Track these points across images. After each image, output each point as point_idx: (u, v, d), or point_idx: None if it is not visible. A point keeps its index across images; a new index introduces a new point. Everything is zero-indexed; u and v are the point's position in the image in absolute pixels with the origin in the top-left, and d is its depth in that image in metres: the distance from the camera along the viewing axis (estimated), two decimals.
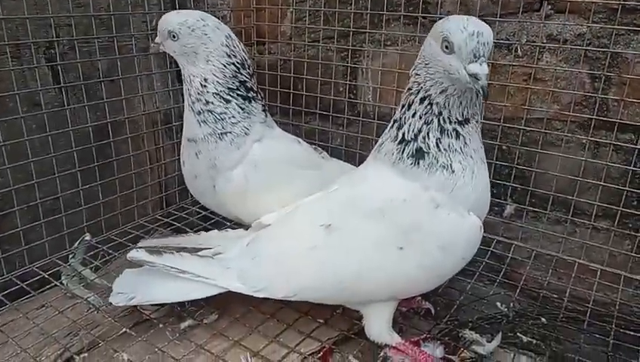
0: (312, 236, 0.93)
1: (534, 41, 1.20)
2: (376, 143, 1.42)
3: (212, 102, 1.11)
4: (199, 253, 1.01)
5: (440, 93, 0.84)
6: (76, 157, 1.24)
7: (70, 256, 1.22)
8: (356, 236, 0.91)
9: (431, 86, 0.84)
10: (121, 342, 0.98)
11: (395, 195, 0.89)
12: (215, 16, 1.53)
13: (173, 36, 1.09)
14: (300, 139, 1.27)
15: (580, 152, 1.20)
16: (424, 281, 0.94)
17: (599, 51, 1.14)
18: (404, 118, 0.88)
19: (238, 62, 1.13)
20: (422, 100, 0.85)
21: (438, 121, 0.85)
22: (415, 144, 0.86)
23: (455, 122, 0.85)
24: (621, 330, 1.03)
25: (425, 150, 0.86)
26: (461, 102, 0.84)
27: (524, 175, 1.28)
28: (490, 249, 1.30)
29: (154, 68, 1.41)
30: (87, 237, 1.26)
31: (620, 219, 1.17)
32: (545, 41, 1.19)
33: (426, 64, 0.84)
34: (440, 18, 1.26)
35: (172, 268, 0.98)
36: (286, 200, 1.07)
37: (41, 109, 1.18)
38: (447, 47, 0.79)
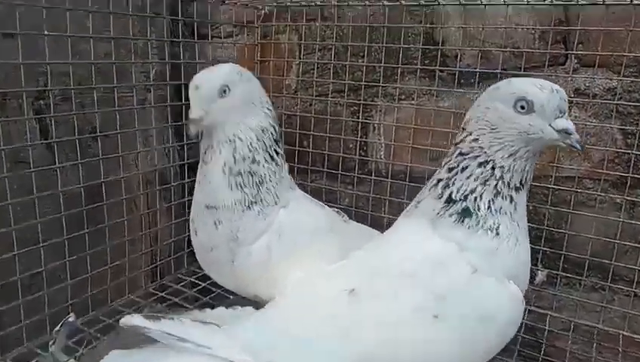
0: (333, 302, 0.83)
1: None
2: (388, 203, 1.37)
3: (259, 161, 0.99)
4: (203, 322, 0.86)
5: (508, 156, 0.79)
6: (65, 223, 1.09)
7: (50, 343, 1.02)
8: (384, 302, 0.80)
9: (497, 150, 0.79)
10: None
11: (429, 256, 0.81)
12: None
13: (224, 91, 0.95)
14: (322, 203, 1.15)
15: (615, 213, 1.12)
16: (462, 358, 0.82)
17: (631, 106, 1.08)
18: (454, 179, 0.82)
19: (274, 114, 1.05)
20: (481, 164, 0.81)
21: (496, 184, 0.80)
22: (463, 204, 0.81)
23: (513, 187, 0.80)
24: None
25: (472, 210, 0.80)
26: (525, 167, 0.80)
27: (554, 237, 1.18)
28: (524, 320, 1.18)
29: (153, 122, 1.30)
30: (72, 318, 1.07)
31: None
32: (572, 96, 1.13)
33: (493, 128, 0.79)
34: (460, 71, 1.23)
35: (170, 334, 0.82)
36: (312, 271, 0.95)
37: (26, 167, 1.04)
38: (522, 108, 0.76)
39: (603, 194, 1.13)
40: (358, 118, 1.39)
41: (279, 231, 1.00)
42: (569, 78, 1.13)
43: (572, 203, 1.15)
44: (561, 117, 0.76)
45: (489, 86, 1.20)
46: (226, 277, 1.07)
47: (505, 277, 0.79)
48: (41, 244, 1.05)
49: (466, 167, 0.81)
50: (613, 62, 1.09)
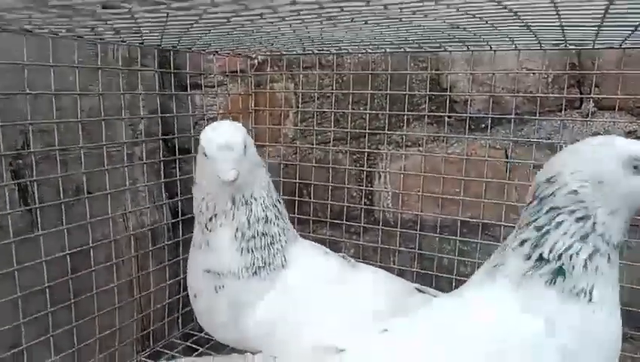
0: None
1: (578, 140, 1.10)
2: (398, 254, 1.29)
3: (271, 220, 0.94)
4: None
5: (609, 213, 0.72)
6: (48, 294, 0.97)
7: None
8: None
9: (599, 207, 0.72)
10: None
11: (508, 337, 0.72)
12: (202, 118, 1.39)
13: (245, 147, 0.88)
14: (326, 249, 1.08)
15: None
16: None
17: None
18: (547, 236, 0.74)
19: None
20: (580, 219, 0.73)
21: (596, 241, 0.73)
22: (556, 263, 0.73)
23: (612, 246, 0.73)
24: None
25: (566, 268, 0.72)
26: (621, 226, 0.74)
27: None
28: None
29: (142, 177, 1.19)
30: None
31: None
32: None
33: (599, 182, 0.73)
34: (471, 117, 1.19)
35: None
36: (319, 324, 0.89)
37: (5, 237, 0.92)
38: (636, 167, 0.71)
39: (635, 240, 1.08)
40: (362, 167, 1.32)
41: (285, 289, 0.94)
42: (586, 122, 1.09)
43: None
44: None
45: (500, 131, 1.18)
46: (230, 335, 0.99)
47: (599, 359, 0.72)
48: (22, 320, 0.92)
49: (562, 222, 0.74)
50: (633, 105, 1.06)
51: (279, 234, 0.95)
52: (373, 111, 1.28)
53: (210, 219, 0.92)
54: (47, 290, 0.96)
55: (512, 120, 1.14)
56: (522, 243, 0.77)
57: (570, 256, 0.73)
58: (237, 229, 0.91)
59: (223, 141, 0.85)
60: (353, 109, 1.30)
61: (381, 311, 0.91)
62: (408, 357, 0.74)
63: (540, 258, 0.74)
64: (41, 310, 0.96)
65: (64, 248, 1.01)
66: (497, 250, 0.82)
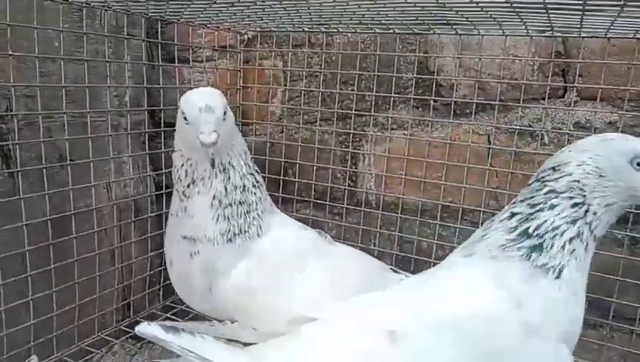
0: (370, 342, 0.74)
1: (561, 128, 1.12)
2: (379, 236, 1.31)
3: (248, 188, 0.96)
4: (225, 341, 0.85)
5: (605, 206, 0.77)
6: (27, 258, 0.97)
7: None
8: (426, 353, 0.73)
9: (596, 197, 0.77)
10: None
11: (476, 311, 0.74)
12: None
13: (225, 113, 0.89)
14: (303, 225, 1.10)
15: (616, 249, 1.09)
16: None
17: None
18: (538, 214, 0.78)
19: None
20: (576, 205, 0.78)
21: (582, 226, 0.77)
22: (538, 240, 0.77)
23: (593, 236, 0.78)
24: None
25: (545, 246, 0.76)
26: (609, 220, 0.79)
27: None
28: None
29: (126, 149, 1.19)
30: (34, 360, 0.97)
31: None
32: (572, 129, 1.11)
33: (602, 176, 0.77)
34: (456, 102, 1.20)
35: (190, 352, 0.75)
36: (296, 298, 0.92)
37: None
38: (639, 165, 0.76)
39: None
40: (347, 148, 1.33)
41: (259, 257, 0.95)
42: (569, 111, 1.11)
43: None
44: None
45: (484, 117, 1.19)
46: (205, 304, 1.00)
47: (559, 338, 0.74)
48: (0, 282, 0.93)
49: (557, 205, 0.79)
50: (615, 96, 1.08)
51: (256, 203, 0.97)
52: (360, 92, 1.29)
53: (188, 186, 0.93)
54: (26, 254, 0.97)
55: (496, 106, 1.15)
56: (512, 216, 0.80)
57: (554, 236, 0.76)
58: (214, 197, 0.92)
59: (204, 104, 0.85)
60: (341, 89, 1.31)
61: (355, 285, 0.92)
62: (375, 328, 0.75)
63: (524, 232, 0.78)
64: (22, 274, 0.97)
65: (46, 215, 1.01)
66: (479, 229, 0.84)
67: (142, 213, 1.25)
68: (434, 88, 1.21)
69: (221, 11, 1.00)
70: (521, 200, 0.81)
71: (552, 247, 0.76)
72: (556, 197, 0.79)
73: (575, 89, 1.11)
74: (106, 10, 1.05)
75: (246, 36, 1.39)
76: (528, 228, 0.78)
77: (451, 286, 0.79)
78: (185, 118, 0.87)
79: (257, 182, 0.99)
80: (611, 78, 1.06)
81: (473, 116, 1.18)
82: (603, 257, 1.08)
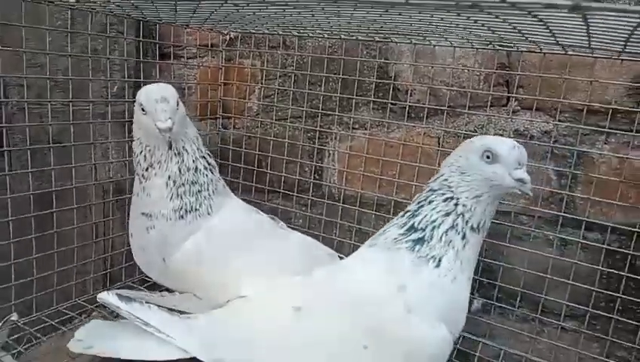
0: (280, 315, 0.90)
1: (502, 135, 1.20)
2: (339, 226, 1.41)
3: (200, 170, 1.08)
4: (169, 310, 0.98)
5: (472, 198, 0.88)
6: (12, 227, 1.12)
7: None
8: (323, 325, 0.87)
9: (463, 191, 0.89)
10: None
11: (367, 291, 0.88)
12: (180, 87, 1.51)
13: (177, 103, 1.02)
14: (257, 210, 1.22)
15: (547, 249, 1.18)
16: None
17: (565, 149, 1.15)
18: (421, 210, 0.91)
19: None
20: (447, 199, 0.90)
21: (456, 218, 0.88)
22: (421, 233, 0.89)
23: (469, 226, 0.88)
24: None
25: (427, 238, 0.88)
26: (485, 210, 0.89)
27: (491, 269, 1.23)
28: (457, 346, 1.23)
29: (110, 135, 1.33)
30: (14, 317, 1.11)
31: (588, 321, 1.13)
32: (512, 136, 1.20)
33: (462, 173, 0.90)
34: (410, 106, 1.29)
35: (137, 317, 0.93)
36: (240, 271, 1.04)
37: None
38: (488, 158, 0.87)
39: (537, 230, 1.19)
40: (314, 144, 1.43)
41: (208, 233, 1.07)
42: (509, 119, 1.19)
43: (508, 237, 1.21)
44: (519, 168, 0.86)
45: (436, 121, 1.28)
46: (161, 274, 1.13)
47: (437, 317, 0.84)
48: None
49: (432, 201, 0.91)
50: (551, 106, 1.16)
51: (207, 184, 1.09)
52: (327, 93, 1.39)
53: (147, 169, 1.06)
54: (10, 223, 1.11)
55: (445, 112, 1.24)
56: (404, 214, 0.94)
57: (433, 228, 0.88)
58: (169, 177, 1.05)
59: (160, 95, 0.99)
60: (310, 90, 1.41)
61: (296, 267, 1.03)
62: (286, 304, 0.90)
63: (411, 227, 0.90)
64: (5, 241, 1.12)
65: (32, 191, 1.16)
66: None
67: (122, 194, 1.38)
68: (391, 92, 1.30)
69: (204, 15, 1.12)
70: (414, 201, 0.94)
71: (432, 239, 0.88)
72: (433, 195, 0.91)
73: (515, 99, 1.19)
74: (90, 11, 1.18)
75: (228, 36, 1.51)
76: (414, 223, 0.90)
77: (351, 270, 0.93)
78: (142, 109, 1.00)
79: (209, 164, 1.12)
80: (548, 90, 1.14)
81: (425, 120, 1.28)
82: (535, 256, 1.18)
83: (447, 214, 0.89)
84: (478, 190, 0.88)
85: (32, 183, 1.16)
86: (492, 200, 0.89)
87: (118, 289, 1.36)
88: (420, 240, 0.88)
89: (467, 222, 0.88)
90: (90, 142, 1.26)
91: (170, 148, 1.02)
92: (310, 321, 0.88)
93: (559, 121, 1.14)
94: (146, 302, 0.97)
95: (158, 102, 0.98)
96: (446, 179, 0.92)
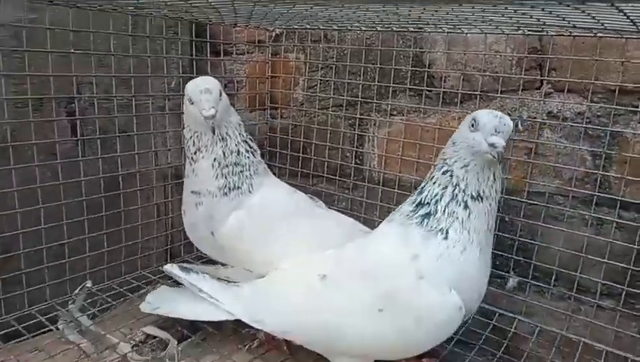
0: (309, 283, 1.01)
1: (535, 118, 1.23)
2: (379, 208, 1.49)
3: (241, 152, 1.19)
4: (219, 280, 1.14)
5: (462, 167, 0.94)
6: (85, 206, 1.28)
7: (70, 302, 1.23)
8: (343, 290, 0.97)
9: (454, 161, 0.95)
10: None
11: (383, 261, 0.96)
12: (231, 81, 1.64)
13: (220, 94, 1.13)
14: (296, 190, 1.32)
15: (582, 228, 1.19)
16: (398, 348, 0.97)
17: (599, 129, 1.16)
18: (426, 186, 0.98)
19: None
20: (444, 173, 0.96)
21: (453, 190, 0.94)
22: (428, 207, 0.95)
23: (469, 195, 0.93)
24: None
25: (432, 212, 0.94)
26: (478, 179, 0.93)
27: (527, 248, 1.26)
28: (493, 322, 1.27)
29: (168, 126, 1.47)
30: (89, 284, 1.27)
31: (625, 299, 1.14)
32: (545, 118, 1.22)
33: (454, 143, 0.96)
34: (444, 92, 1.34)
35: (193, 285, 1.11)
36: (282, 247, 1.15)
37: (56, 159, 1.23)
38: (472, 125, 0.92)
39: (572, 210, 1.21)
40: (355, 130, 1.51)
41: (249, 209, 1.18)
42: (542, 102, 1.22)
43: (543, 217, 1.23)
44: (495, 135, 0.89)
45: (470, 105, 1.32)
46: (210, 248, 1.25)
47: (448, 285, 0.90)
48: (65, 221, 1.25)
49: (434, 176, 0.98)
50: (583, 88, 1.17)
51: (248, 165, 1.20)
52: (366, 82, 1.47)
53: (195, 153, 1.18)
54: (84, 203, 1.28)
55: (478, 96, 1.28)
56: (416, 190, 1.01)
57: (436, 201, 0.95)
58: (214, 159, 1.17)
59: (204, 87, 1.10)
60: (350, 80, 1.49)
61: (334, 244, 1.11)
62: (314, 273, 1.02)
63: (420, 202, 0.97)
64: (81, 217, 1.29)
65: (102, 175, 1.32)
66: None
67: (180, 178, 1.51)
68: (426, 79, 1.36)
69: (251, 15, 1.22)
70: (426, 179, 1.00)
71: (437, 212, 0.94)
72: (435, 170, 0.98)
73: (548, 81, 1.22)
74: (149, 16, 1.32)
75: (274, 32, 1.61)
76: (421, 199, 0.97)
77: (371, 243, 1.03)
78: (190, 100, 1.12)
79: (250, 147, 1.22)
80: (581, 72, 1.16)
81: (459, 105, 1.32)
82: (570, 235, 1.20)
83: (446, 187, 0.94)
84: (465, 158, 0.93)
85: (101, 168, 1.32)
86: (481, 168, 0.93)
87: (179, 263, 1.51)
88: (428, 215, 0.94)
89: (464, 191, 0.93)
90: (151, 131, 1.41)
91: (213, 133, 1.13)
92: (333, 287, 0.99)
93: (592, 102, 1.16)
94: (202, 273, 1.14)
95: (202, 93, 1.10)
96: (444, 153, 0.98)
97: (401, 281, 0.92)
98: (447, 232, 0.92)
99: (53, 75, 1.21)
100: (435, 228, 0.93)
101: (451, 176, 0.94)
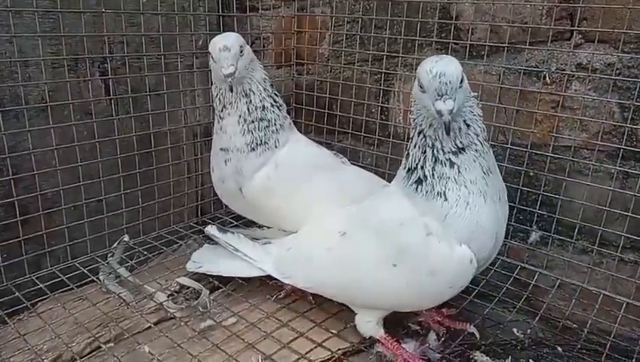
0: (330, 239, 1.06)
1: (564, 70, 1.21)
2: None
3: (267, 107, 1.21)
4: (253, 240, 1.21)
5: (429, 126, 0.90)
6: (120, 163, 1.35)
7: (109, 255, 1.32)
8: (361, 246, 1.00)
9: (422, 121, 0.92)
10: (145, 336, 1.05)
11: (395, 216, 0.97)
12: (258, 37, 1.65)
13: (241, 51, 1.14)
14: (319, 145, 1.35)
15: (608, 182, 1.19)
16: (413, 300, 1.00)
17: (629, 81, 1.13)
18: (410, 149, 0.96)
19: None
20: (418, 133, 0.93)
21: (432, 151, 0.91)
22: (417, 173, 0.93)
23: (448, 152, 0.90)
24: None
25: (422, 178, 0.92)
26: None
27: (550, 202, 1.27)
28: (514, 275, 1.30)
29: (197, 84, 1.50)
30: (126, 238, 1.35)
31: None
32: (574, 70, 1.20)
33: (415, 102, 0.92)
34: (471, 45, 1.32)
35: (229, 245, 1.19)
36: (308, 200, 1.19)
37: (92, 118, 1.29)
38: (421, 87, 0.86)
39: (598, 164, 1.20)
40: (380, 86, 1.51)
41: (276, 164, 1.21)
42: (571, 53, 1.19)
43: (568, 171, 1.23)
44: (439, 99, 0.82)
45: (497, 58, 1.30)
46: (239, 204, 1.29)
47: (458, 240, 0.90)
48: (102, 178, 1.32)
49: (413, 137, 0.94)
50: (615, 38, 1.14)
51: (274, 120, 1.22)
52: (392, 36, 1.45)
53: (222, 110, 1.21)
54: (119, 160, 1.34)
55: (506, 48, 1.26)
56: (405, 155, 0.98)
57: (422, 167, 0.92)
58: (240, 116, 1.19)
59: (222, 45, 1.12)
60: (376, 34, 1.48)
61: (356, 197, 1.14)
62: (334, 230, 1.06)
63: (409, 169, 0.95)
64: (116, 174, 1.35)
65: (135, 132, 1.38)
66: None
67: (209, 136, 1.55)
68: (453, 32, 1.34)
69: None
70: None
71: (426, 178, 0.91)
72: (412, 129, 0.94)
73: (579, 32, 1.18)
74: None
75: None
76: (409, 164, 0.94)
77: (384, 201, 1.03)
78: (212, 58, 1.14)
79: (276, 102, 1.23)
80: (613, 21, 1.12)
81: (486, 58, 1.30)
82: (594, 189, 1.20)
83: (424, 151, 0.91)
84: (428, 117, 0.89)
85: (134, 127, 1.38)
86: (438, 123, 0.86)
87: (209, 219, 1.58)
88: (419, 181, 0.92)
89: (443, 150, 0.89)
90: (180, 90, 1.45)
91: (232, 91, 1.15)
92: (352, 244, 1.02)
93: (623, 52, 1.12)
94: (237, 233, 1.22)
95: (221, 50, 1.11)
96: (411, 111, 0.94)
97: (411, 237, 0.93)
98: (444, 195, 0.90)
99: (87, 35, 1.25)
100: (431, 192, 0.91)
101: (424, 136, 0.90)
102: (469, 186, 0.90)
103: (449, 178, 0.90)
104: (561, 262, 1.27)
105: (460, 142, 0.89)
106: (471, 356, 1.04)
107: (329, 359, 1.01)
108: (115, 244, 1.33)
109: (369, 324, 1.05)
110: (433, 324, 1.13)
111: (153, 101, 1.41)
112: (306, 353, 1.01)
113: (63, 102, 1.24)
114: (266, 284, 1.23)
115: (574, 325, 1.18)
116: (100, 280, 1.23)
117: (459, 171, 0.90)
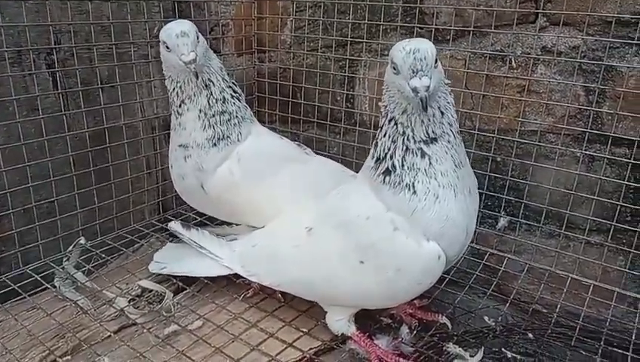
0: (296, 235, 1.02)
1: (529, 53, 1.19)
2: None
3: (227, 99, 1.16)
4: (219, 236, 1.17)
5: (402, 113, 0.87)
6: (73, 161, 1.27)
7: (64, 259, 1.24)
8: (327, 243, 0.97)
9: (394, 108, 0.88)
10: (105, 347, 1.00)
11: (361, 212, 0.94)
12: (217, 24, 1.58)
13: (198, 38, 1.08)
14: (282, 136, 1.30)
15: (573, 166, 1.19)
16: (381, 297, 0.98)
17: (594, 64, 1.13)
18: (379, 138, 0.92)
19: None
20: (389, 121, 0.89)
21: (403, 140, 0.87)
22: (385, 163, 0.89)
23: (420, 141, 0.86)
24: (610, 348, 1.02)
25: (391, 168, 0.89)
26: (423, 121, 0.86)
27: (518, 187, 1.26)
28: (483, 261, 1.29)
29: (153, 75, 1.43)
30: (82, 240, 1.28)
31: (613, 234, 1.16)
32: (539, 53, 1.18)
33: (387, 88, 0.89)
34: (437, 29, 1.29)
35: (194, 242, 1.16)
36: (273, 194, 1.15)
37: (39, 114, 1.20)
38: (394, 69, 0.83)
39: (564, 148, 1.20)
40: (345, 73, 1.47)
41: (238, 158, 1.16)
42: (536, 37, 1.18)
43: (535, 155, 1.23)
44: (415, 76, 0.79)
45: (463, 43, 1.28)
46: (201, 200, 1.24)
47: (425, 235, 0.87)
48: (53, 178, 1.24)
49: (382, 126, 0.90)
50: (580, 20, 1.13)
51: (235, 112, 1.17)
52: (356, 21, 1.41)
53: (180, 105, 1.15)
54: (72, 158, 1.26)
55: (471, 32, 1.24)
56: (373, 143, 0.94)
57: (391, 157, 0.88)
58: (200, 110, 1.14)
59: (179, 30, 1.05)
60: (339, 18, 1.43)
61: (321, 189, 1.10)
62: (301, 226, 1.02)
63: (377, 158, 0.91)
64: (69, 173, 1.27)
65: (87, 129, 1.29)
66: None
67: (169, 129, 1.47)
68: (418, 16, 1.31)
69: None
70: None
71: (395, 168, 0.88)
72: (382, 118, 0.90)
73: (544, 15, 1.17)
74: None
75: None
76: (378, 154, 0.90)
77: (350, 194, 1.00)
78: (167, 47, 1.07)
79: (236, 93, 1.19)
80: (578, 4, 1.11)
81: (452, 42, 1.28)
82: (561, 173, 1.20)
83: (395, 140, 0.87)
84: (401, 103, 0.85)
85: (86, 122, 1.30)
86: (414, 110, 0.84)
87: (172, 215, 1.51)
88: (388, 171, 0.88)
89: (414, 138, 0.86)
90: (135, 81, 1.37)
91: (197, 78, 1.08)
92: (318, 240, 0.99)
93: (588, 34, 1.12)
94: (201, 230, 1.17)
95: (178, 37, 1.04)
96: (382, 99, 0.90)
97: (378, 234, 0.90)
98: (413, 187, 0.86)
99: (30, 25, 1.16)
100: (399, 183, 0.87)
101: (396, 124, 0.86)
102: (440, 179, 0.87)
103: (419, 169, 0.87)
104: (530, 247, 1.28)
105: (433, 131, 0.86)
106: (444, 348, 1.03)
107: (300, 359, 0.98)
108: (71, 248, 1.25)
109: (340, 322, 1.02)
110: (405, 317, 1.12)
111: (106, 94, 1.33)
112: (277, 354, 0.98)
113: (7, 97, 1.15)
114: (232, 283, 1.19)
115: (544, 309, 1.19)
116: (55, 287, 1.17)
117: (430, 162, 0.87)
